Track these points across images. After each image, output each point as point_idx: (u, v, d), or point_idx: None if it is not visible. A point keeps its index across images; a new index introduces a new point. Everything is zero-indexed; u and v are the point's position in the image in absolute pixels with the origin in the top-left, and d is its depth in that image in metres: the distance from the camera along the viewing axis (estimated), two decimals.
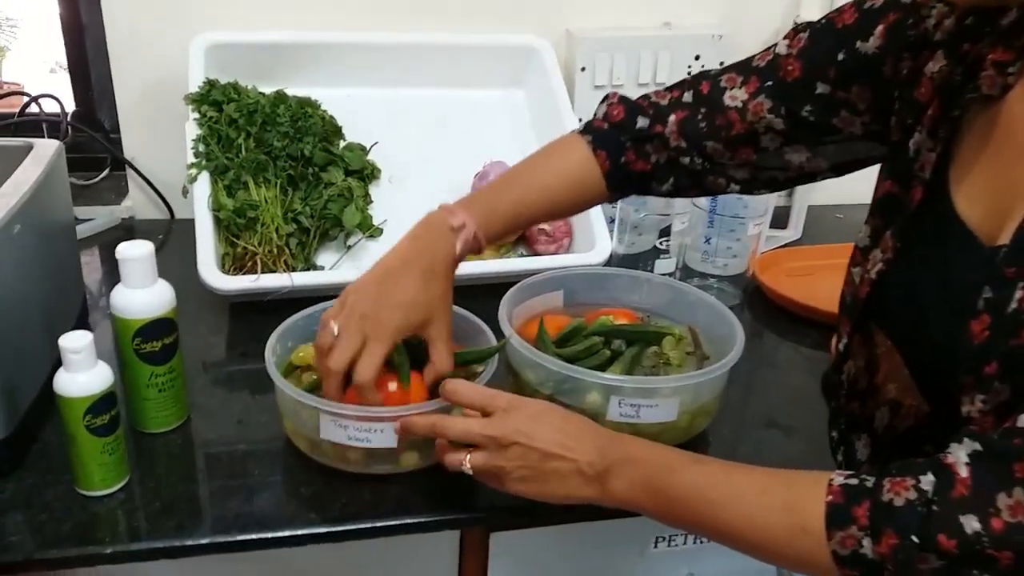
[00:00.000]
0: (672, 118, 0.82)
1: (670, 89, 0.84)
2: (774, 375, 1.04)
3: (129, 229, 1.29)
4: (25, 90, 1.51)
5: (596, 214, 1.19)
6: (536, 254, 1.21)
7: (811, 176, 0.82)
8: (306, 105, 1.16)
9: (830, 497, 0.57)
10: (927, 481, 0.55)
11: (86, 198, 1.32)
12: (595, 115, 0.87)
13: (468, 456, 0.69)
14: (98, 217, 1.25)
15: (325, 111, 1.19)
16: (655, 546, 0.90)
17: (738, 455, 0.87)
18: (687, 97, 0.82)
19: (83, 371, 0.71)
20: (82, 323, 0.95)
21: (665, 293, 0.99)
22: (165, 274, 1.19)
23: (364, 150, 1.19)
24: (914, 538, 0.53)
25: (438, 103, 1.30)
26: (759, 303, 1.19)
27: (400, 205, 1.20)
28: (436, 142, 1.27)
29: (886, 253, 0.67)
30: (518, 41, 1.32)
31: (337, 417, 0.75)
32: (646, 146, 0.84)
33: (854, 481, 0.58)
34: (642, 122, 0.83)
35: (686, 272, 1.21)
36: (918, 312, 0.65)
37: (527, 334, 0.93)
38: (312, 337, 0.87)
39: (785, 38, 0.78)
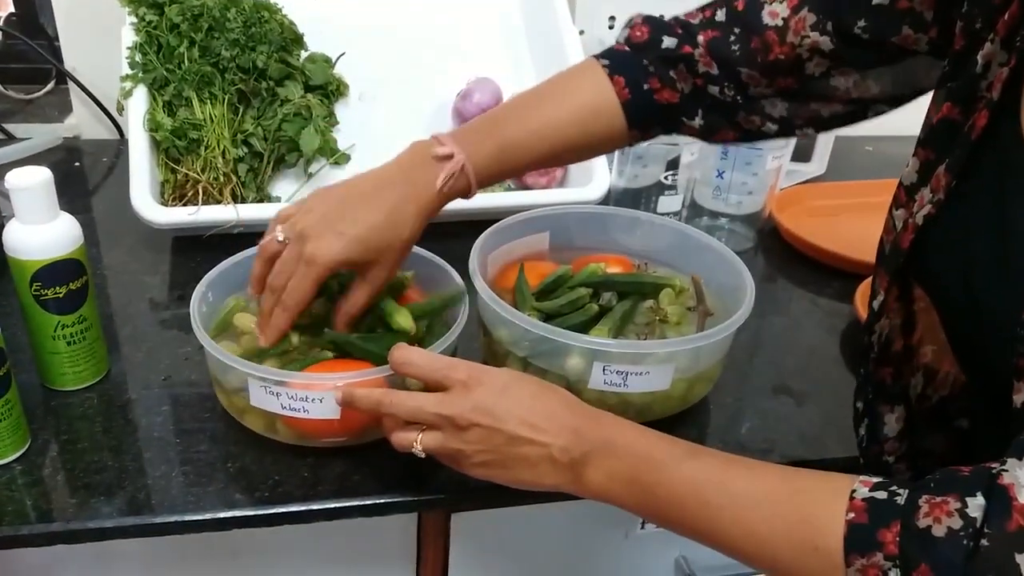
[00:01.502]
0: (701, 38, 0.69)
1: (703, 8, 0.71)
2: (787, 331, 0.92)
3: (73, 150, 1.15)
4: None
5: None
6: (526, 187, 1.08)
7: (861, 110, 0.69)
8: (263, 8, 1.01)
9: (851, 515, 0.47)
10: (975, 505, 0.44)
11: (28, 114, 1.19)
12: (617, 40, 0.74)
13: (420, 436, 0.58)
14: (36, 136, 1.12)
15: (285, 16, 1.04)
16: (642, 527, 0.79)
17: (741, 428, 0.77)
18: (720, 15, 0.69)
19: None
20: None
21: (667, 236, 0.87)
22: (108, 202, 1.08)
23: (329, 62, 1.05)
24: None
25: (417, 9, 1.14)
26: (775, 246, 1.07)
27: (371, 127, 1.06)
28: (414, 54, 1.12)
29: (937, 193, 0.54)
30: None
31: (268, 383, 0.63)
32: (671, 71, 0.71)
33: (882, 494, 0.47)
34: (668, 41, 0.70)
35: (694, 210, 1.08)
36: (963, 265, 0.53)
37: (505, 283, 0.81)
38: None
39: None
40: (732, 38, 0.68)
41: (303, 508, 0.64)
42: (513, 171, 0.73)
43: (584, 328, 0.74)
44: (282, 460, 0.67)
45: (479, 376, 0.58)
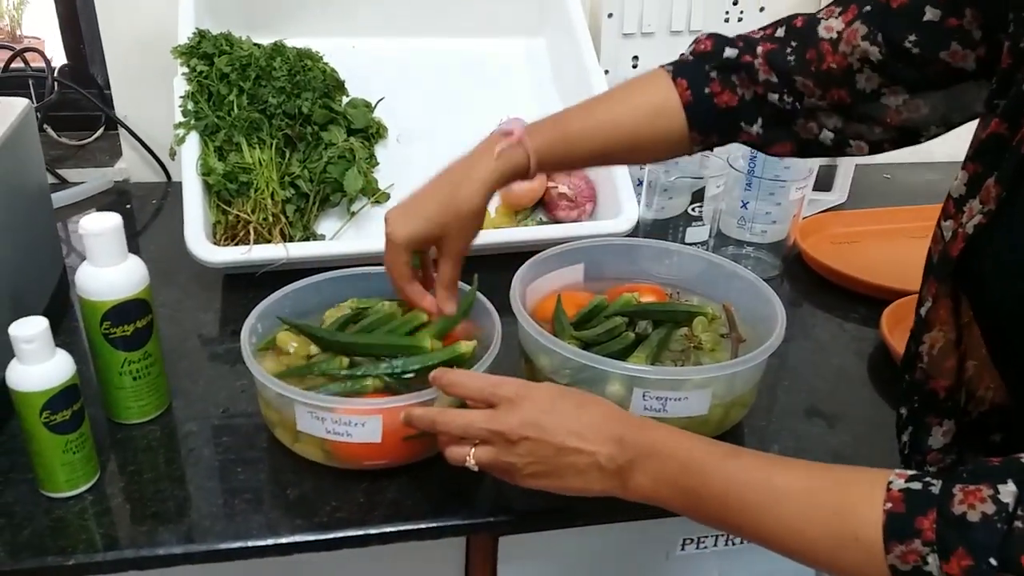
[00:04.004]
0: (760, 49, 0.73)
1: (764, 27, 0.76)
2: (816, 355, 0.94)
3: (123, 193, 1.21)
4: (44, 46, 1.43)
5: (623, 176, 1.09)
6: (556, 221, 1.11)
7: (912, 132, 0.71)
8: (305, 57, 1.06)
9: (889, 504, 0.49)
10: (1007, 491, 0.46)
11: (79, 160, 1.25)
12: (682, 53, 0.79)
13: (473, 451, 0.62)
14: (89, 180, 1.17)
15: (327, 64, 1.09)
16: (682, 548, 0.81)
17: (776, 450, 0.78)
18: (780, 32, 0.74)
19: (38, 363, 0.63)
20: (59, 300, 0.87)
21: (697, 265, 0.90)
22: (158, 242, 1.13)
23: (369, 107, 1.10)
24: (992, 560, 0.45)
25: (451, 54, 1.20)
26: (800, 273, 1.10)
27: (409, 167, 1.10)
28: (448, 97, 1.17)
29: (987, 204, 0.56)
30: None
31: (314, 408, 0.67)
32: (732, 76, 0.74)
33: (917, 485, 0.49)
34: (730, 52, 0.74)
35: (720, 240, 1.11)
36: (1016, 273, 0.54)
37: (544, 313, 0.84)
38: (298, 315, 0.80)
39: None
40: (788, 50, 0.72)
41: (360, 532, 0.67)
42: (574, 159, 0.78)
43: (622, 355, 0.77)
44: (339, 486, 0.71)
45: (525, 392, 0.61)
